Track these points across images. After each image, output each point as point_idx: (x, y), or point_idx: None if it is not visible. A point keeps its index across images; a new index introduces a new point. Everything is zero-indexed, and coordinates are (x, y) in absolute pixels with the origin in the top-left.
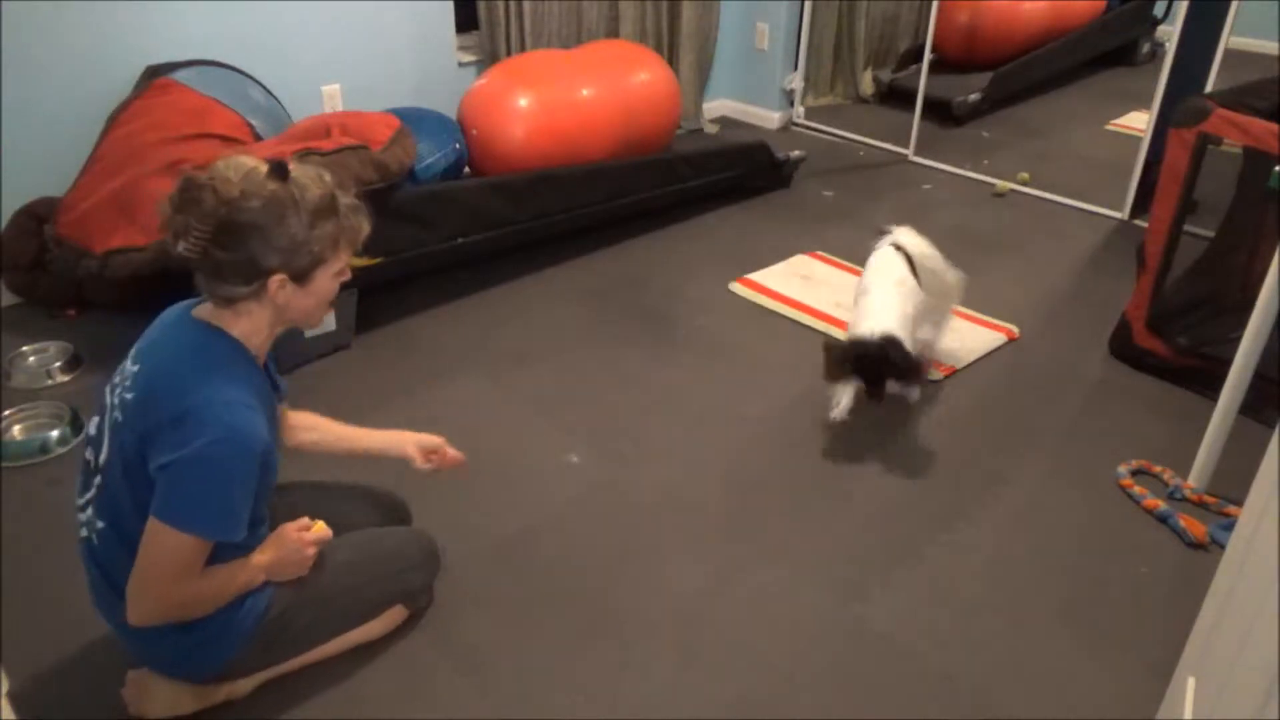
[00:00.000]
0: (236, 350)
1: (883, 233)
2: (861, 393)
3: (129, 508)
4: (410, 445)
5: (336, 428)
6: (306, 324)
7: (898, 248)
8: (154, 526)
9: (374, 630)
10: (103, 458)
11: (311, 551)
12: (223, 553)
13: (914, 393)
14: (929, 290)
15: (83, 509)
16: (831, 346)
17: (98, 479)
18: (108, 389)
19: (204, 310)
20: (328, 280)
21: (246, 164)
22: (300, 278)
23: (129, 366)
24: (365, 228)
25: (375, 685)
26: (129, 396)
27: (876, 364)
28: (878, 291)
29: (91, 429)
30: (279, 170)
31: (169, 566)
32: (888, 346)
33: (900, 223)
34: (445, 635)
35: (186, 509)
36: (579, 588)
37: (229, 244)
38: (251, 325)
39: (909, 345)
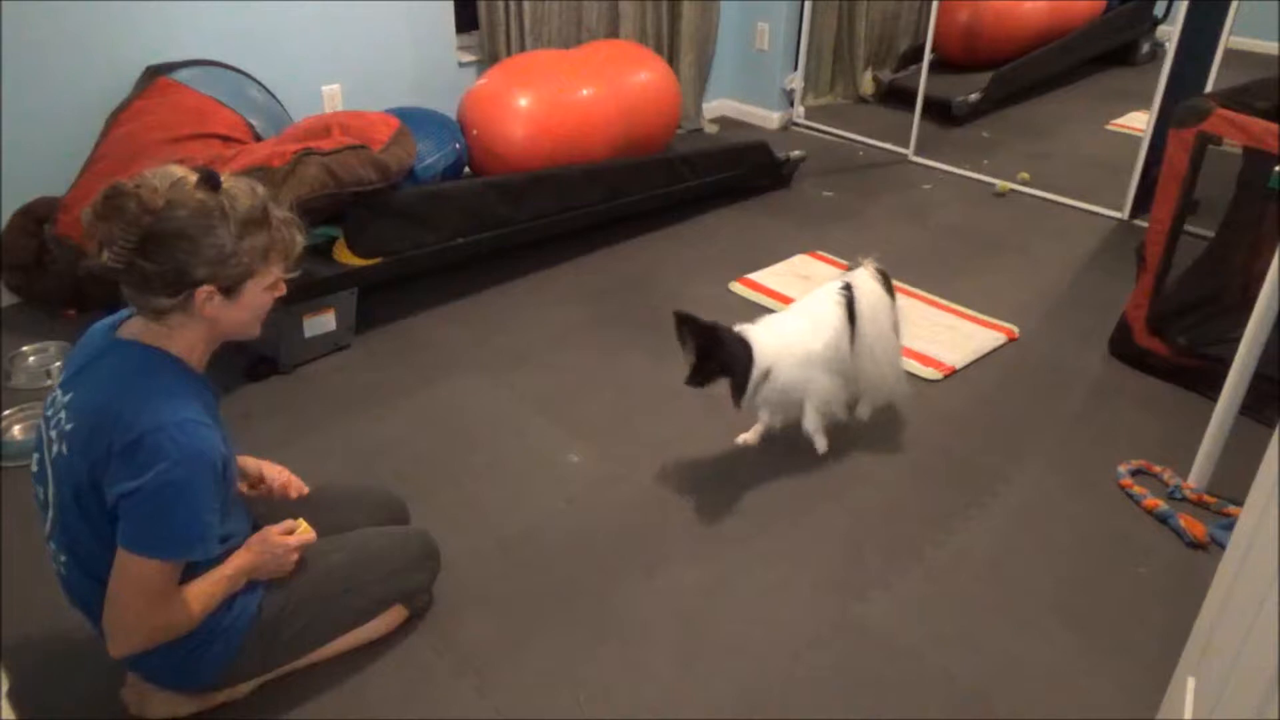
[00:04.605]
0: (179, 367)
1: (856, 265)
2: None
3: (87, 537)
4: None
5: None
6: (241, 336)
7: (845, 288)
8: (123, 557)
9: (373, 631)
10: (50, 493)
11: (294, 556)
12: (194, 565)
13: (814, 432)
14: (860, 346)
15: (49, 543)
16: (679, 313)
17: (50, 513)
18: (41, 422)
19: (133, 327)
20: (259, 293)
21: (175, 173)
22: (229, 290)
23: (60, 396)
24: (299, 241)
25: (375, 685)
26: (69, 427)
27: (701, 338)
28: (790, 313)
29: (34, 465)
30: (210, 180)
31: (143, 594)
32: (718, 332)
33: (898, 223)
34: (445, 635)
35: (155, 536)
36: (579, 587)
37: (154, 254)
38: (186, 342)
39: (756, 359)
